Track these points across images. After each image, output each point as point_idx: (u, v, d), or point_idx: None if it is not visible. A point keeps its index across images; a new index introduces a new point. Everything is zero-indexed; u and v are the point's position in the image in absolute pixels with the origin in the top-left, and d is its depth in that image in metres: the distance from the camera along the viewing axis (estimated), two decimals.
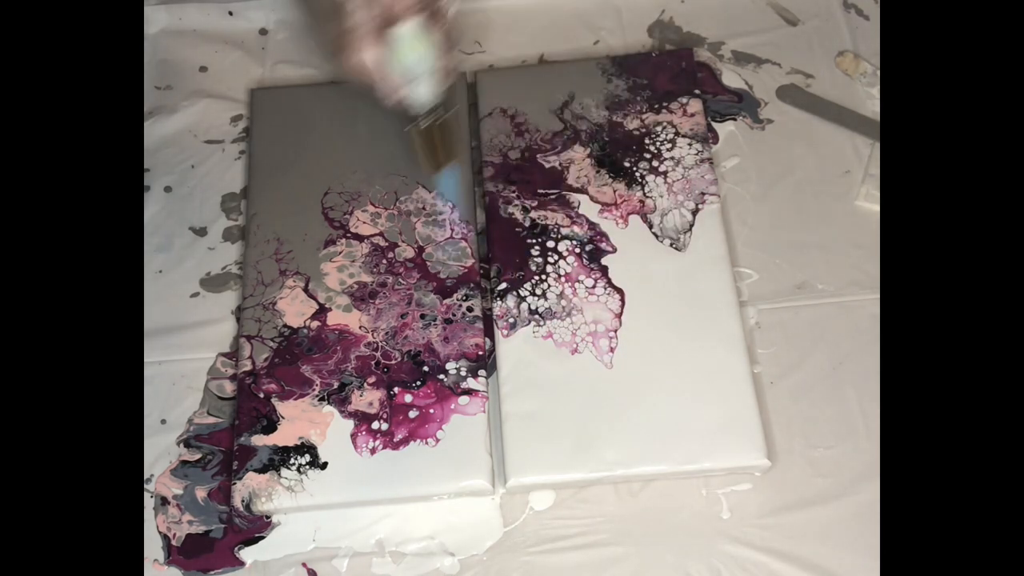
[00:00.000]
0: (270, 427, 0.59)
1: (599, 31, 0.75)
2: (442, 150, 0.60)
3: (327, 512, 0.58)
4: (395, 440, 0.58)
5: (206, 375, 0.63)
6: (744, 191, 0.67)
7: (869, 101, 0.70)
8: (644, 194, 0.65)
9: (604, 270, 0.63)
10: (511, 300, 0.62)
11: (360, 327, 0.62)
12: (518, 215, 0.65)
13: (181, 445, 0.61)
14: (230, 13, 0.76)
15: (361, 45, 0.52)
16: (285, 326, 0.62)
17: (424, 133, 0.58)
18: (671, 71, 0.70)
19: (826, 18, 0.74)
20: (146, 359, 0.63)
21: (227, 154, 0.71)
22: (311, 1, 0.54)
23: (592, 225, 0.64)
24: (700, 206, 0.64)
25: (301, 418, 0.59)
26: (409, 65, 0.53)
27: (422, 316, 0.62)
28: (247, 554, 0.58)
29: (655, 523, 0.57)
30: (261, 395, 0.60)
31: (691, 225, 0.64)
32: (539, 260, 0.63)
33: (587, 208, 0.65)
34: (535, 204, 0.65)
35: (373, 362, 0.61)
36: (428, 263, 0.64)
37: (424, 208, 0.66)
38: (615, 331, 0.60)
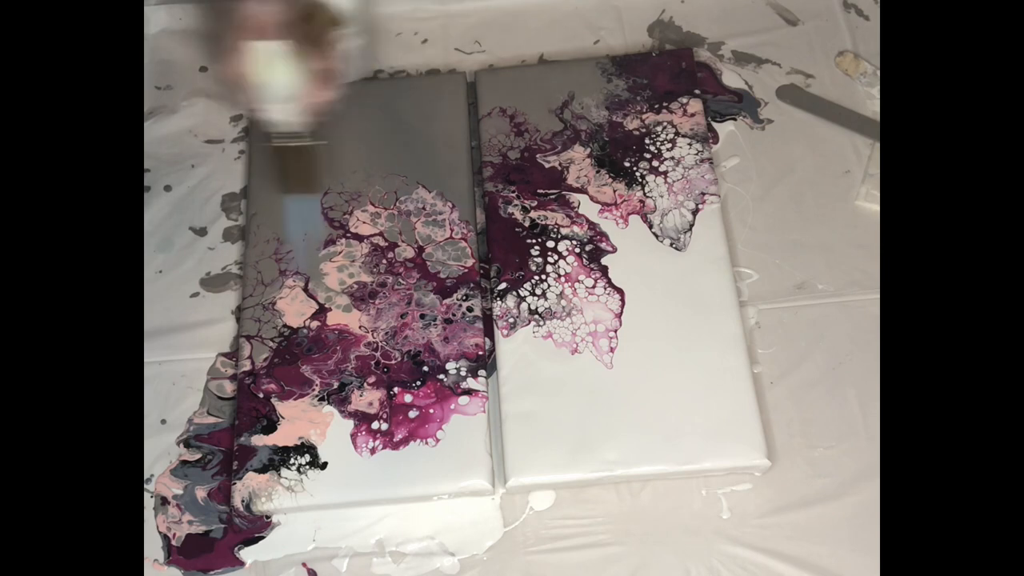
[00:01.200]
0: (270, 427, 0.59)
1: (599, 31, 0.75)
2: (292, 178, 0.58)
3: (327, 512, 0.58)
4: (395, 440, 0.58)
5: (206, 375, 0.63)
6: (744, 191, 0.67)
7: (869, 101, 0.70)
8: (644, 194, 0.65)
9: (604, 270, 0.63)
10: (511, 300, 0.62)
11: (360, 327, 0.62)
12: (518, 215, 0.65)
13: (181, 445, 0.61)
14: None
15: (237, 54, 0.51)
16: (285, 326, 0.62)
17: (276, 154, 0.55)
18: (671, 71, 0.70)
19: (826, 18, 0.74)
20: (146, 359, 0.63)
21: (227, 154, 0.71)
22: (208, 8, 0.54)
23: (592, 225, 0.64)
24: (700, 206, 0.64)
25: (301, 418, 0.59)
26: (265, 84, 0.52)
27: (422, 316, 0.62)
28: (247, 554, 0.58)
29: (655, 523, 0.57)
30: (261, 395, 0.60)
31: (691, 225, 0.64)
32: (539, 260, 0.63)
33: (587, 208, 0.65)
34: (535, 204, 0.65)
35: (373, 362, 0.61)
36: (428, 263, 0.64)
37: (424, 208, 0.66)
38: (615, 331, 0.60)
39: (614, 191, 0.65)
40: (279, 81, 0.52)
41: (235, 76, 0.52)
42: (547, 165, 0.67)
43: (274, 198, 0.66)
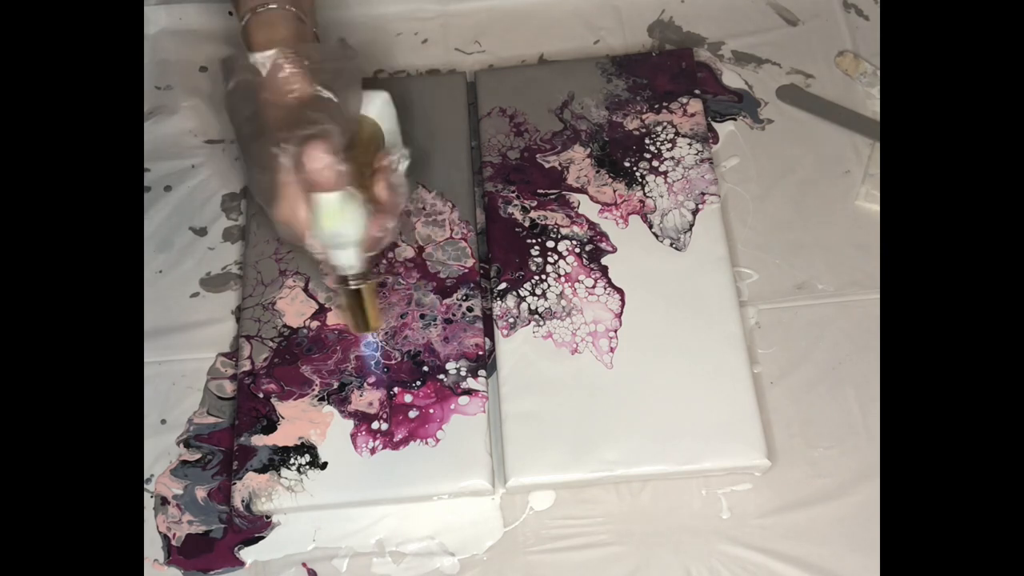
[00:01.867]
0: (270, 427, 0.59)
1: (599, 31, 0.75)
2: (364, 316, 0.57)
3: (327, 512, 0.58)
4: (395, 440, 0.58)
5: (206, 375, 0.63)
6: (744, 191, 0.67)
7: (869, 101, 0.70)
8: (644, 194, 0.65)
9: (604, 270, 0.63)
10: (511, 300, 0.62)
11: None
12: (518, 215, 0.65)
13: (181, 445, 0.61)
14: (230, 13, 0.76)
15: (292, 201, 0.51)
16: (285, 326, 0.62)
17: (347, 295, 0.56)
18: (671, 71, 0.70)
19: (826, 18, 0.74)
20: (146, 359, 0.63)
21: (227, 154, 0.71)
22: (251, 148, 0.54)
23: (592, 225, 0.64)
24: (700, 206, 0.64)
25: (301, 418, 0.59)
26: (328, 234, 0.52)
27: (422, 316, 0.62)
28: (247, 554, 0.58)
29: (655, 523, 0.57)
30: (261, 395, 0.60)
31: (691, 225, 0.64)
32: (539, 260, 0.63)
33: (587, 208, 0.65)
34: (535, 204, 0.65)
35: (373, 362, 0.61)
36: (428, 263, 0.64)
37: (424, 208, 0.66)
38: (615, 331, 0.60)
39: (614, 191, 0.65)
40: (341, 228, 0.52)
41: (299, 227, 0.52)
42: (547, 165, 0.67)
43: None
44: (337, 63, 0.54)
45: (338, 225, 0.51)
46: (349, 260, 0.54)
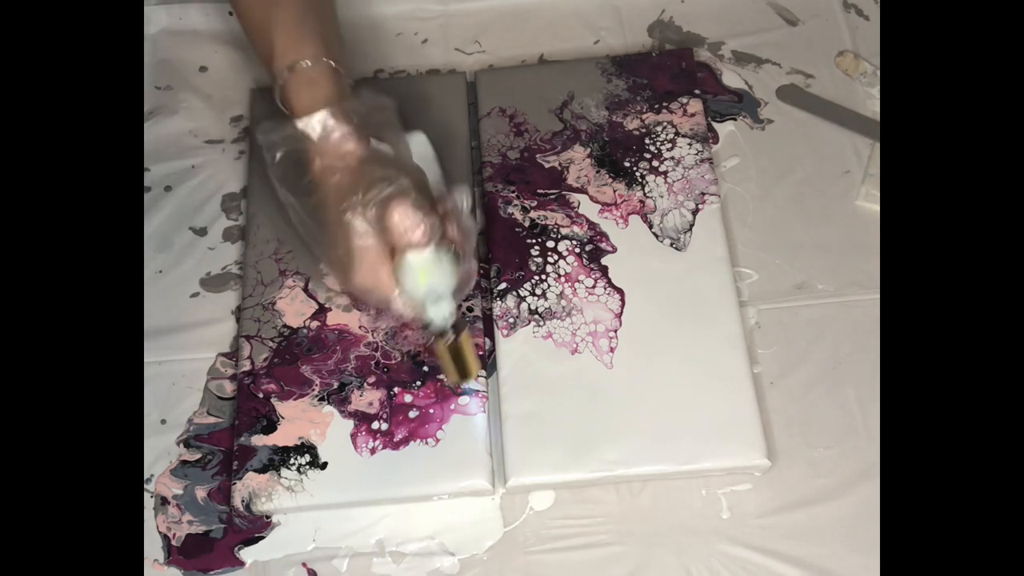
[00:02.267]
0: (270, 427, 0.59)
1: (599, 31, 0.75)
2: (465, 365, 0.56)
3: (327, 512, 0.58)
4: (395, 440, 0.58)
5: (206, 375, 0.63)
6: (744, 191, 0.67)
7: (869, 101, 0.70)
8: (644, 194, 0.65)
9: (604, 270, 0.63)
10: (511, 300, 0.62)
11: (360, 327, 0.62)
12: (518, 215, 0.65)
13: (181, 445, 0.61)
14: (230, 13, 0.76)
15: (374, 265, 0.49)
16: (285, 326, 0.62)
17: (443, 350, 0.55)
18: (671, 71, 0.70)
19: (826, 18, 0.74)
20: (146, 359, 0.63)
21: (227, 154, 0.71)
22: (311, 218, 0.52)
23: (592, 225, 0.64)
24: (700, 206, 0.64)
25: (301, 418, 0.59)
26: (425, 290, 0.50)
27: None
28: (247, 554, 0.58)
29: (655, 523, 0.57)
30: (260, 395, 0.60)
31: (691, 225, 0.64)
32: (539, 260, 0.63)
33: (587, 208, 0.65)
34: (535, 204, 0.65)
35: (373, 362, 0.61)
36: None
37: None
38: (615, 331, 0.60)
39: (614, 191, 0.65)
40: (435, 282, 0.50)
41: (384, 291, 0.50)
42: (547, 165, 0.67)
43: (276, 199, 0.65)
44: (381, 114, 0.52)
45: (435, 279, 0.50)
46: (446, 311, 0.52)
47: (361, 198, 0.48)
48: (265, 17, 0.53)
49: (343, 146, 0.50)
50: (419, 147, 0.56)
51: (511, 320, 0.61)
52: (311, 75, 0.52)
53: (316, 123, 0.50)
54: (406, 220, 0.48)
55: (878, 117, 0.69)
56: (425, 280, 0.50)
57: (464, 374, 0.56)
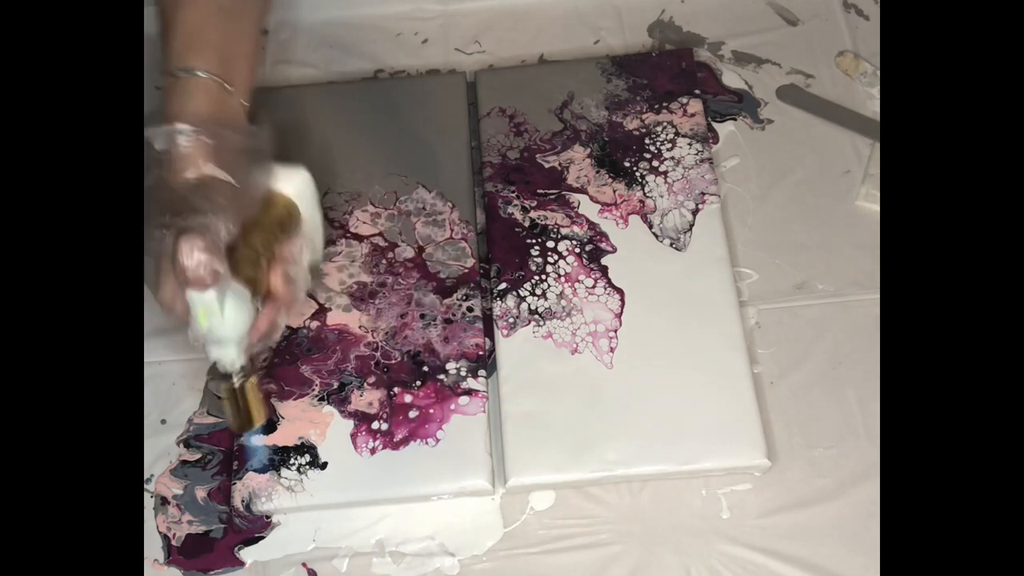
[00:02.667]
0: (270, 427, 0.59)
1: (599, 31, 0.75)
2: (248, 414, 0.53)
3: (327, 512, 0.58)
4: (395, 440, 0.58)
5: (206, 375, 0.63)
6: (744, 191, 0.67)
7: (869, 101, 0.70)
8: (644, 194, 0.65)
9: (604, 270, 0.63)
10: (511, 300, 0.62)
11: (360, 327, 0.62)
12: (518, 215, 0.65)
13: (181, 445, 0.61)
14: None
15: (173, 288, 0.48)
16: (284, 326, 0.62)
17: (227, 393, 0.52)
18: (671, 71, 0.70)
19: (826, 18, 0.74)
20: (146, 359, 0.63)
21: None
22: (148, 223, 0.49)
23: (592, 225, 0.64)
24: (700, 206, 0.64)
25: (301, 418, 0.59)
26: (204, 331, 0.48)
27: (422, 316, 0.62)
28: (247, 554, 0.58)
29: (655, 523, 0.57)
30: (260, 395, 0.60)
31: (691, 225, 0.64)
32: (539, 260, 0.63)
33: (587, 208, 0.65)
34: (535, 204, 0.65)
35: (373, 362, 0.61)
36: (428, 263, 0.64)
37: (424, 208, 0.66)
38: (615, 331, 0.60)
39: (614, 191, 0.65)
40: (218, 325, 0.48)
41: (179, 317, 0.49)
42: (547, 165, 0.67)
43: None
44: (247, 140, 0.50)
45: (214, 324, 0.48)
46: (228, 357, 0.50)
47: (168, 220, 0.47)
48: (172, 18, 0.51)
49: (181, 163, 0.48)
50: (298, 185, 0.53)
51: (511, 320, 0.61)
52: (187, 86, 0.50)
53: (162, 135, 0.48)
54: (187, 258, 0.46)
55: (878, 117, 0.69)
56: (204, 322, 0.48)
57: (245, 423, 0.53)
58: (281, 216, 0.52)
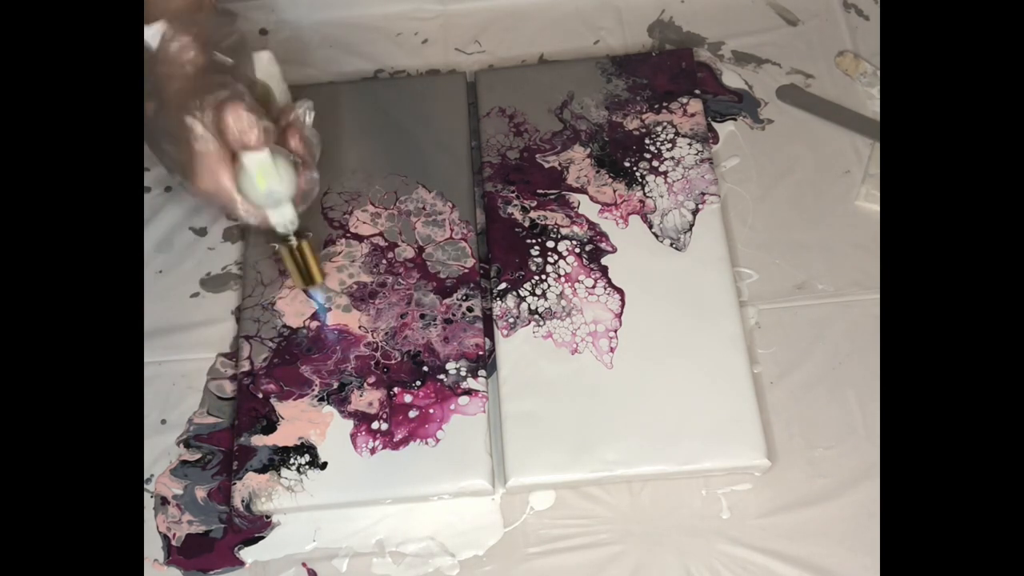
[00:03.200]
0: (270, 427, 0.59)
1: (599, 31, 0.75)
2: (308, 270, 0.57)
3: (327, 512, 0.58)
4: (395, 440, 0.58)
5: (206, 375, 0.63)
6: (744, 191, 0.67)
7: (869, 101, 0.70)
8: (644, 194, 0.65)
9: (604, 270, 0.63)
10: (511, 300, 0.62)
11: (360, 327, 0.62)
12: (518, 215, 0.65)
13: (181, 445, 0.61)
14: None
15: (214, 170, 0.50)
16: (284, 326, 0.62)
17: (290, 253, 0.56)
18: (671, 71, 0.70)
19: (826, 18, 0.74)
20: (146, 359, 0.63)
21: None
22: (156, 122, 0.52)
23: (592, 225, 0.64)
24: (700, 206, 0.64)
25: (301, 418, 0.59)
26: (263, 193, 0.51)
27: (422, 316, 0.62)
28: (247, 554, 0.58)
29: (655, 523, 0.57)
30: (260, 395, 0.60)
31: (691, 225, 0.64)
32: (539, 260, 0.63)
33: (587, 208, 0.65)
34: (535, 204, 0.65)
35: (373, 362, 0.61)
36: (428, 263, 0.64)
37: (424, 208, 0.66)
38: (615, 331, 0.60)
39: (614, 191, 0.65)
40: (274, 184, 0.51)
41: (225, 195, 0.51)
42: (547, 165, 0.67)
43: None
44: (223, 27, 0.53)
45: (272, 182, 0.51)
46: (287, 216, 0.54)
47: (199, 103, 0.49)
48: None
49: (182, 55, 0.51)
50: (264, 65, 0.56)
51: (511, 320, 0.61)
52: None
53: (156, 33, 0.51)
54: (240, 122, 0.48)
55: (878, 117, 0.69)
56: (263, 183, 0.51)
57: (308, 280, 0.58)
58: (265, 94, 0.54)
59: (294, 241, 0.55)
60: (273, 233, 0.55)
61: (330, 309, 0.62)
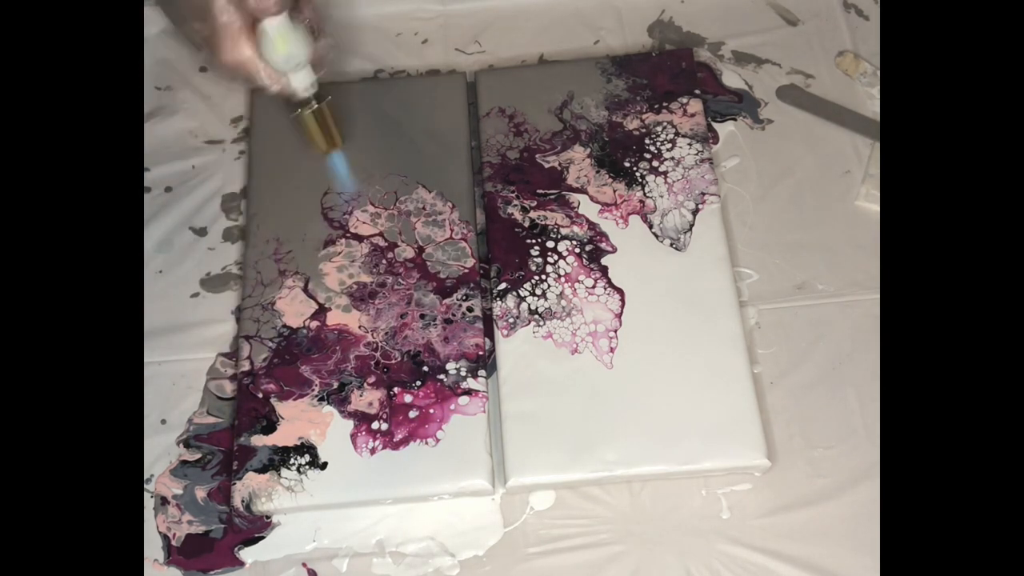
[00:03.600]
0: (270, 427, 0.59)
1: (599, 31, 0.75)
2: (328, 134, 0.63)
3: (327, 512, 0.58)
4: (395, 440, 0.58)
5: (206, 375, 0.63)
6: (744, 191, 0.67)
7: (869, 101, 0.70)
8: (644, 194, 0.65)
9: (604, 270, 0.63)
10: (511, 300, 0.62)
11: (360, 327, 0.62)
12: (517, 215, 0.65)
13: (181, 445, 0.61)
14: None
15: (236, 41, 0.53)
16: (284, 326, 0.62)
17: (308, 119, 0.60)
18: (671, 71, 0.70)
19: (826, 18, 0.74)
20: (146, 359, 0.63)
21: (227, 154, 0.71)
22: (176, 4, 0.56)
23: (592, 225, 0.64)
24: (700, 206, 0.64)
25: (301, 418, 0.59)
26: (283, 56, 0.54)
27: (422, 316, 0.62)
28: (247, 554, 0.58)
29: (655, 523, 0.57)
30: (260, 395, 0.60)
31: (691, 225, 0.64)
32: (539, 260, 0.63)
33: (587, 208, 0.65)
34: (535, 204, 0.65)
35: (373, 362, 0.61)
36: (428, 263, 0.64)
37: (424, 208, 0.66)
38: (615, 331, 0.60)
39: (614, 191, 0.65)
40: (292, 49, 0.54)
41: (255, 61, 0.54)
42: (547, 165, 0.67)
43: (276, 199, 0.67)
44: None
45: (291, 46, 0.54)
46: (307, 79, 0.57)
47: None
48: None
49: None
50: None
51: (511, 320, 0.61)
52: None
53: None
54: None
55: (878, 117, 0.69)
56: (283, 47, 0.54)
57: (331, 142, 0.63)
58: None
59: (314, 104, 0.59)
60: (295, 101, 0.58)
61: (346, 178, 0.65)
